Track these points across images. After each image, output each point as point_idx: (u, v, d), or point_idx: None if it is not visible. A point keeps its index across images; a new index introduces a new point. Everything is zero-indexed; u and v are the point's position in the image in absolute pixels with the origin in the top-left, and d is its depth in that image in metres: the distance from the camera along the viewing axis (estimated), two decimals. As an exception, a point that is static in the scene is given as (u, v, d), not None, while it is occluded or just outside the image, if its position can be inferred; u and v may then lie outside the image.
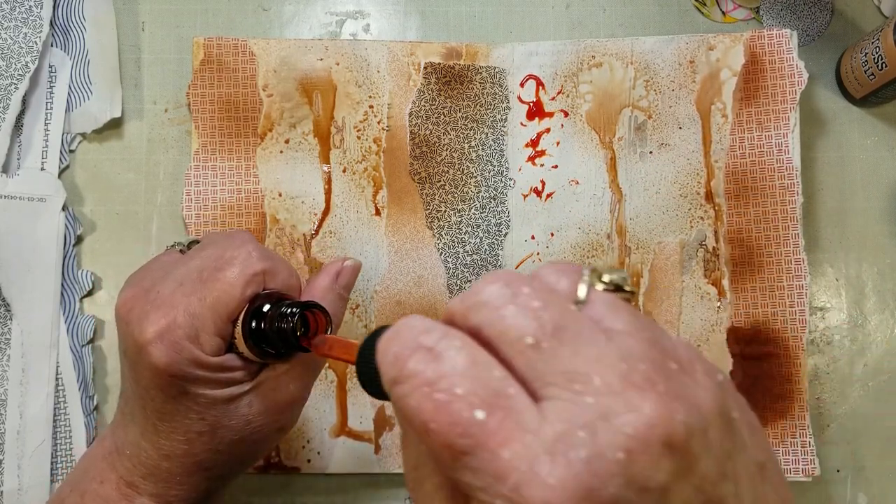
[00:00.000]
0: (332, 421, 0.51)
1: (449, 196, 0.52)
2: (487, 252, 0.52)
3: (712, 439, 0.20)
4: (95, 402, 0.51)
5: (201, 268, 0.36)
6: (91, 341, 0.52)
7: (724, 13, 0.55)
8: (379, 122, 0.53)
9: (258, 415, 0.36)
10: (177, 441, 0.35)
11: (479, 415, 0.20)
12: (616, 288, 0.23)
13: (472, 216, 0.52)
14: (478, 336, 0.21)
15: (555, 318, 0.21)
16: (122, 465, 0.36)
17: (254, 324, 0.35)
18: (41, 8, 0.52)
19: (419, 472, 0.23)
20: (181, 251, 0.41)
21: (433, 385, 0.20)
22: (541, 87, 0.53)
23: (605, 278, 0.23)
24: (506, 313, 0.21)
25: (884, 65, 0.49)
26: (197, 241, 0.41)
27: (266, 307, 0.35)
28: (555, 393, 0.20)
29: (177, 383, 0.34)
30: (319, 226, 0.52)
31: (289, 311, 0.34)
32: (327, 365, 0.51)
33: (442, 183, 0.52)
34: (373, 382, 0.26)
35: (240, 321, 0.35)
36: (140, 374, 0.35)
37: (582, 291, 0.22)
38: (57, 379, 0.50)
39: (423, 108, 0.53)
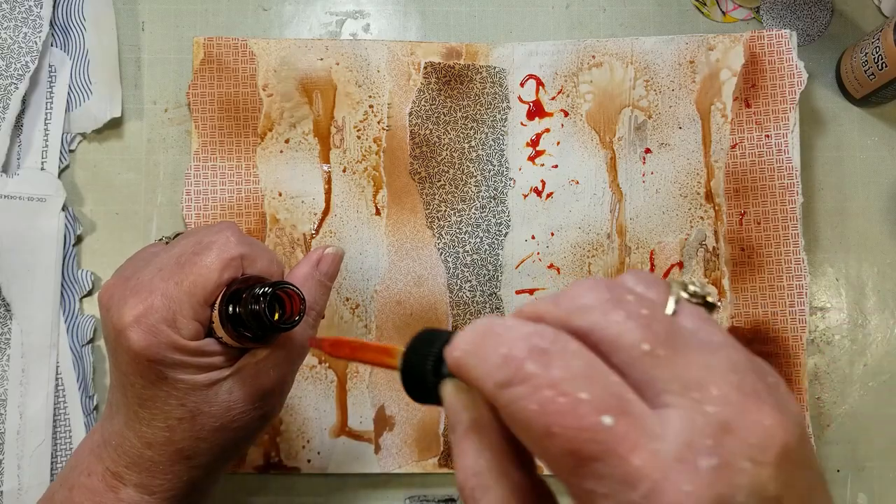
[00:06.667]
0: (332, 421, 0.51)
1: (449, 196, 0.52)
2: (487, 252, 0.52)
3: (808, 453, 0.21)
4: (95, 402, 0.51)
5: (180, 254, 0.36)
6: (91, 341, 0.52)
7: (724, 13, 0.55)
8: (379, 122, 0.53)
9: (239, 401, 0.36)
10: (158, 428, 0.36)
11: (607, 420, 0.19)
12: (702, 301, 0.23)
13: (473, 216, 0.52)
14: (584, 340, 0.21)
15: (665, 326, 0.21)
16: (109, 456, 0.37)
17: (230, 308, 0.35)
18: (41, 8, 0.52)
19: (481, 479, 0.22)
20: (165, 242, 0.41)
21: (556, 388, 0.19)
22: (541, 87, 0.53)
23: (691, 289, 0.23)
24: (616, 318, 0.21)
25: (884, 65, 0.49)
26: (181, 234, 0.42)
27: (243, 292, 0.35)
28: (672, 401, 0.20)
29: (155, 368, 0.34)
30: (319, 225, 0.52)
31: (261, 291, 0.34)
32: (327, 365, 0.51)
33: (442, 182, 0.52)
34: (420, 386, 0.24)
35: (217, 305, 0.35)
36: (120, 359, 0.35)
37: (671, 303, 0.22)
38: (57, 379, 0.50)
39: (423, 107, 0.53)
